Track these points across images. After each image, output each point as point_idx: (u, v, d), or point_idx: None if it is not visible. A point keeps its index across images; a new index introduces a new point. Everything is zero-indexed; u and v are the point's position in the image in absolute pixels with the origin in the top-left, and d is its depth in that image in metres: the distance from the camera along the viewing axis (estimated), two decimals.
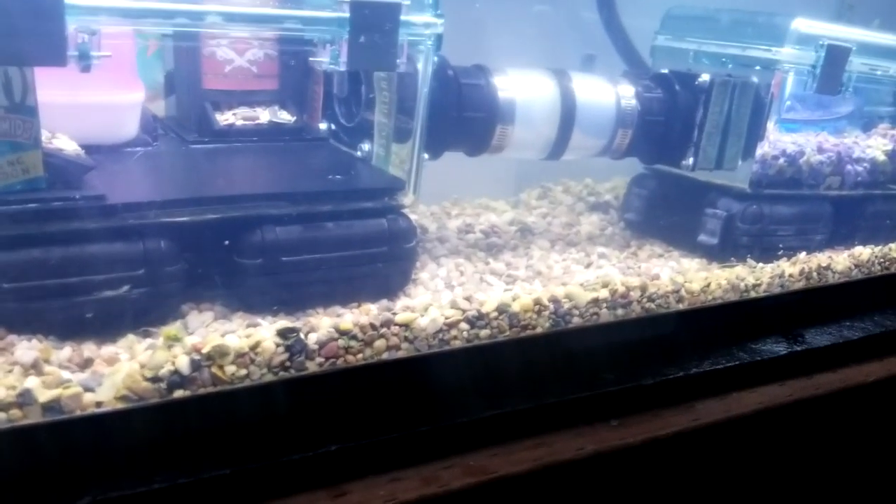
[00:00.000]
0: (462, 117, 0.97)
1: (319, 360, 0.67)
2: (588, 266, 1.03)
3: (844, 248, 1.21)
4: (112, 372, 0.60)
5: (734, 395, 0.89)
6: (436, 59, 0.90)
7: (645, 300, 0.89)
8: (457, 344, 0.75)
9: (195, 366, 0.61)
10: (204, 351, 0.62)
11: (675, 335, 0.90)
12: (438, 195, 1.32)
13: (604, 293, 0.86)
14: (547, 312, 0.81)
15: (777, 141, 1.13)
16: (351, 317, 0.71)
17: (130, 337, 0.69)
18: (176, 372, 0.61)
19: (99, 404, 0.58)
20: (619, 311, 0.88)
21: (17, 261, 0.65)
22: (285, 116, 0.98)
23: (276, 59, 0.93)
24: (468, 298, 0.79)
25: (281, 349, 0.65)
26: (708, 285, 0.95)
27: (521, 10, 1.43)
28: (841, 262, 1.11)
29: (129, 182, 0.80)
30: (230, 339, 0.64)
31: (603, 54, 1.33)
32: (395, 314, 0.72)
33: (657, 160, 1.17)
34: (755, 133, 1.12)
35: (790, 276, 1.04)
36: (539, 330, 0.81)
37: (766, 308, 1.00)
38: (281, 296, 0.78)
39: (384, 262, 0.83)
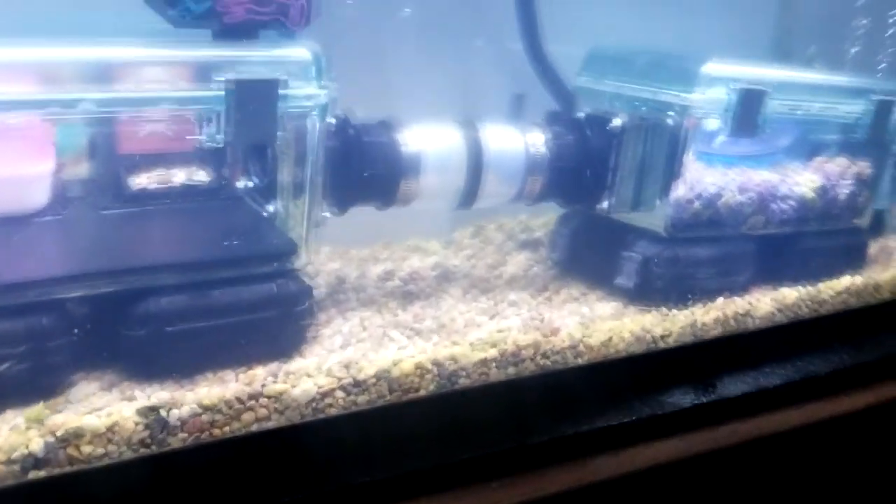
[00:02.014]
0: (365, 174, 0.99)
1: (183, 435, 0.69)
2: (493, 317, 1.04)
3: (772, 286, 1.22)
4: None
5: (629, 451, 0.90)
6: (333, 120, 0.93)
7: (539, 357, 0.91)
8: (333, 412, 0.77)
9: (49, 448, 0.63)
10: (58, 434, 0.64)
11: (571, 391, 0.92)
12: (373, 238, 1.34)
13: (492, 353, 0.87)
14: (430, 375, 0.83)
15: (695, 183, 1.13)
16: (217, 391, 0.73)
17: (8, 414, 0.71)
18: (30, 454, 0.63)
19: None
20: (511, 370, 0.89)
21: None
22: (201, 177, 0.99)
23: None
24: (347, 365, 0.80)
25: (140, 427, 0.67)
26: (609, 339, 0.96)
27: (458, 46, 1.44)
28: (763, 306, 1.12)
29: (20, 256, 0.82)
30: (88, 419, 0.66)
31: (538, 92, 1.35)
32: (263, 386, 0.73)
33: (575, 203, 1.18)
34: (671, 176, 1.12)
35: (703, 324, 1.04)
36: (422, 393, 0.83)
37: (674, 359, 1.01)
38: (167, 364, 0.80)
39: (274, 325, 0.85)
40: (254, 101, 0.77)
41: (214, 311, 0.82)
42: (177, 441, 0.69)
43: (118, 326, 0.80)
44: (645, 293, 1.14)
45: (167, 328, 0.80)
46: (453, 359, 0.85)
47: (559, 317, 1.06)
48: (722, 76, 1.09)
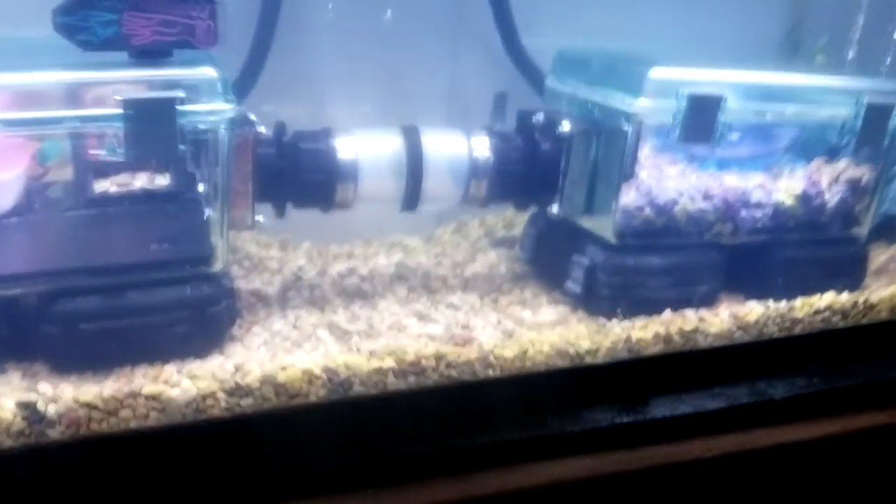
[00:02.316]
0: (301, 179, 1.03)
1: (61, 428, 0.76)
2: (423, 320, 1.06)
3: (742, 300, 1.17)
4: None
5: (529, 466, 0.91)
6: (263, 129, 0.97)
7: (443, 368, 0.92)
8: (214, 413, 0.82)
9: None
10: None
11: (470, 404, 0.93)
12: (360, 233, 1.37)
13: (388, 362, 0.89)
14: (320, 382, 0.87)
15: (648, 189, 1.10)
16: (96, 388, 0.80)
17: None
18: None
19: None
20: (412, 379, 0.91)
21: None
22: (161, 182, 1.06)
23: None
24: (237, 368, 0.85)
25: (18, 418, 0.75)
26: (525, 352, 0.96)
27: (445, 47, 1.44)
28: (718, 322, 1.08)
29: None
30: None
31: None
32: (141, 388, 0.79)
33: (529, 205, 1.18)
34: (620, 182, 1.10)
35: (640, 340, 1.02)
36: (312, 399, 0.87)
37: (597, 376, 0.99)
38: (85, 359, 0.88)
39: (187, 326, 0.91)
40: (151, 119, 0.82)
41: (128, 312, 0.89)
42: (55, 433, 0.76)
43: (40, 324, 0.87)
44: (591, 301, 1.13)
45: (81, 326, 0.87)
46: (346, 366, 0.88)
47: (492, 322, 1.06)
48: (670, 81, 1.04)
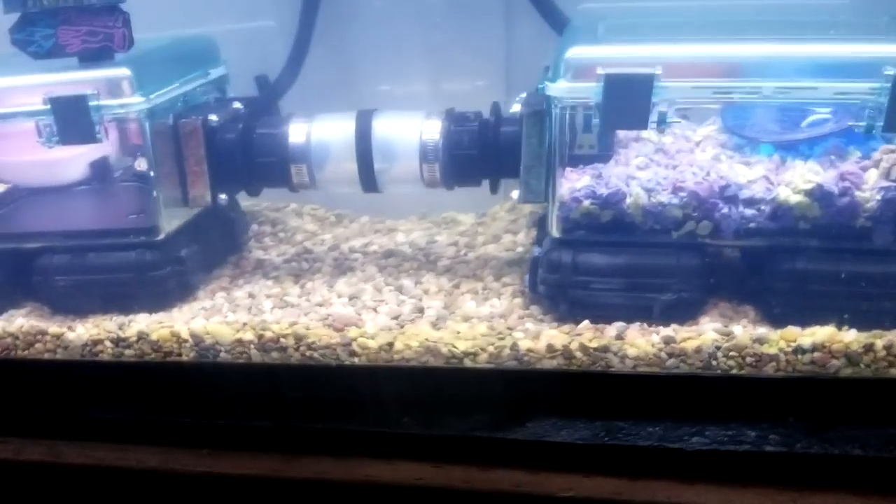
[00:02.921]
0: (257, 161, 1.13)
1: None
2: (352, 300, 1.08)
3: (727, 319, 0.97)
4: None
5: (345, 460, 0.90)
6: (215, 117, 1.09)
7: (303, 348, 0.96)
8: (104, 358, 0.99)
9: None
10: None
11: (317, 386, 0.94)
12: (417, 209, 1.42)
13: (249, 335, 0.96)
14: (188, 344, 0.97)
15: (596, 180, 0.97)
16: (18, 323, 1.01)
17: None
18: None
19: None
20: (275, 355, 0.97)
21: None
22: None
23: None
24: (122, 326, 1.00)
25: None
26: (391, 344, 0.94)
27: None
28: (642, 344, 0.91)
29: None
30: None
31: None
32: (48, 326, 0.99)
33: (496, 189, 1.11)
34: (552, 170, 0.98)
35: (530, 350, 0.92)
36: (184, 358, 0.98)
37: (459, 381, 0.92)
38: (58, 305, 1.11)
39: (133, 285, 1.09)
40: (71, 112, 1.00)
41: (88, 269, 1.09)
42: None
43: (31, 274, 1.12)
44: (536, 297, 1.04)
45: (56, 277, 1.10)
46: (211, 333, 0.97)
47: (434, 308, 1.05)
48: (591, 60, 0.90)
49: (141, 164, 1.06)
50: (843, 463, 0.80)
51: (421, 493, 0.86)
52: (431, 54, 1.38)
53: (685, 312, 0.97)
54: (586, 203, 0.96)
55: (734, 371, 0.88)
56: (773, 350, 0.86)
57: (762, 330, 0.90)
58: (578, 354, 0.90)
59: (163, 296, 1.10)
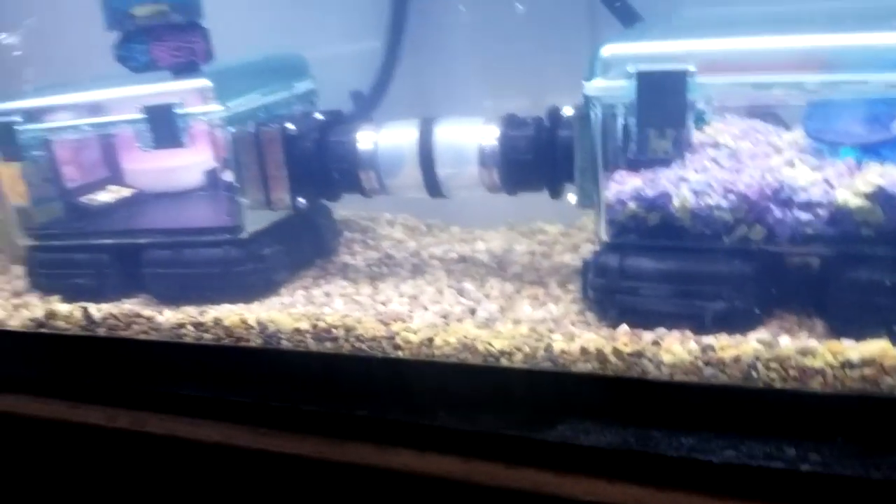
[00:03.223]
0: (330, 167, 1.21)
1: (102, 329, 1.14)
2: (412, 299, 1.13)
3: (796, 327, 0.92)
4: None
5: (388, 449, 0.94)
6: (292, 126, 1.19)
7: (353, 339, 1.01)
8: (187, 339, 1.10)
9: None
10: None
11: (356, 375, 0.99)
12: (513, 217, 1.45)
13: (305, 325, 1.03)
14: (255, 332, 1.06)
15: (644, 181, 0.95)
16: (121, 307, 1.15)
17: None
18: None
19: None
20: (329, 345, 1.03)
21: None
22: None
23: None
24: (202, 312, 1.11)
25: (80, 316, 1.15)
26: (431, 340, 0.97)
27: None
28: (679, 351, 0.87)
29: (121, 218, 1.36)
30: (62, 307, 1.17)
31: None
32: (143, 310, 1.12)
33: (555, 194, 1.11)
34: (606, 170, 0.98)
35: (564, 352, 0.91)
36: (251, 344, 1.07)
37: (494, 380, 0.93)
38: (160, 294, 1.24)
39: (219, 279, 1.20)
40: (161, 119, 1.13)
41: (183, 263, 1.22)
42: (101, 330, 1.14)
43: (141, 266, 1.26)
44: (587, 302, 1.03)
45: (159, 270, 1.24)
46: (273, 322, 1.05)
47: (489, 310, 1.07)
48: (626, 58, 0.89)
49: (227, 174, 1.16)
50: (885, 489, 0.73)
51: (446, 486, 0.88)
52: (517, 66, 1.41)
53: (740, 323, 0.92)
54: (632, 205, 0.95)
55: (776, 384, 0.82)
56: (818, 363, 0.80)
57: (812, 342, 0.84)
58: (612, 359, 0.89)
59: (245, 289, 1.20)
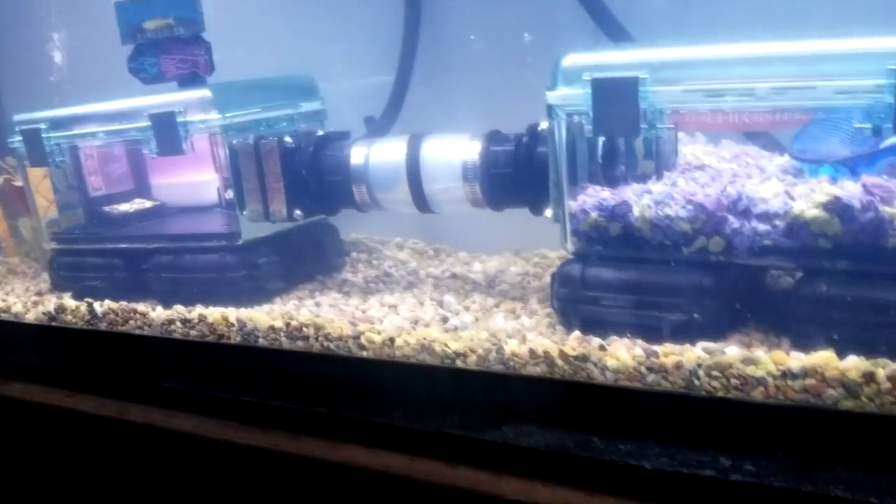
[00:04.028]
0: (325, 180, 1.25)
1: (104, 323, 1.21)
2: (391, 308, 1.16)
3: (745, 338, 0.90)
4: None
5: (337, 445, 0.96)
6: (290, 139, 1.25)
7: (321, 338, 1.04)
8: (176, 335, 1.15)
9: None
10: None
11: (324, 373, 1.01)
12: (519, 244, 1.47)
13: (279, 323, 1.07)
14: (234, 329, 1.10)
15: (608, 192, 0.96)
16: (116, 303, 1.21)
17: None
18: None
19: None
20: (300, 343, 1.06)
21: None
22: None
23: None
24: (189, 309, 1.16)
25: (85, 311, 1.22)
26: (392, 340, 0.99)
27: None
28: (623, 357, 0.86)
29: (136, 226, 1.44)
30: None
31: None
32: (138, 306, 1.18)
33: (537, 209, 1.12)
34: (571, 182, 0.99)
35: (514, 354, 0.91)
36: (231, 340, 1.11)
37: (443, 381, 0.94)
38: (162, 293, 1.31)
39: (214, 283, 1.26)
40: (164, 126, 1.20)
41: (184, 268, 1.29)
42: (103, 324, 1.21)
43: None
44: (557, 312, 1.03)
45: (162, 274, 1.31)
46: (251, 319, 1.09)
47: (465, 320, 1.09)
48: (585, 67, 0.91)
49: (225, 183, 1.23)
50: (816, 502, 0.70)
51: (390, 481, 0.89)
52: (524, 92, 1.44)
53: (698, 335, 0.90)
54: (594, 215, 0.95)
55: (719, 393, 0.80)
56: (760, 373, 0.78)
57: (758, 352, 0.82)
58: (559, 362, 0.89)
59: (238, 295, 1.25)
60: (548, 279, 1.24)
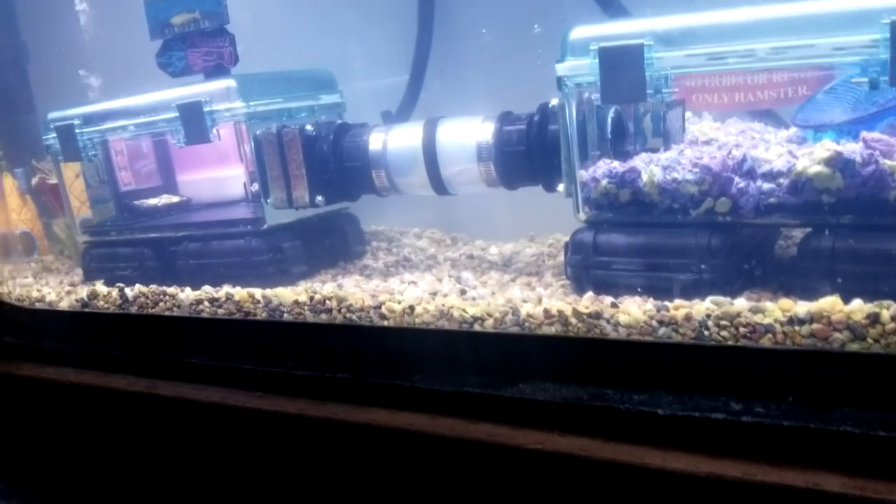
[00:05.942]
0: (345, 166, 1.30)
1: (134, 308, 1.26)
2: (407, 283, 1.19)
3: (754, 295, 0.93)
4: None
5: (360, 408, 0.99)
6: (311, 127, 1.29)
7: (344, 310, 1.08)
8: (204, 314, 1.20)
9: None
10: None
11: (350, 342, 1.05)
12: (535, 230, 1.50)
13: (303, 298, 1.11)
14: (260, 305, 1.15)
15: (615, 160, 1.00)
16: (144, 288, 1.26)
17: None
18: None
19: None
20: (323, 316, 1.10)
21: None
22: None
23: None
24: (217, 289, 1.21)
25: (116, 295, 1.27)
26: (412, 308, 1.03)
27: None
28: (635, 312, 0.90)
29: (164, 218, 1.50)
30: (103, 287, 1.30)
31: None
32: (168, 288, 1.23)
33: (550, 186, 1.15)
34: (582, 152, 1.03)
35: (529, 316, 0.95)
36: (258, 317, 1.15)
37: (462, 344, 0.98)
38: (190, 278, 1.35)
39: (243, 265, 1.30)
40: (191, 115, 1.26)
41: (211, 254, 1.33)
42: (133, 308, 1.26)
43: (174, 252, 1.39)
44: (570, 279, 1.06)
45: (190, 260, 1.36)
46: (277, 296, 1.13)
47: (478, 293, 1.12)
48: (592, 38, 0.95)
49: (251, 168, 1.28)
50: (826, 439, 0.73)
51: (411, 438, 0.92)
52: (535, 82, 1.48)
53: (708, 294, 0.93)
54: (604, 182, 0.99)
55: (728, 342, 0.83)
56: (767, 320, 0.81)
57: (765, 302, 0.84)
58: (573, 321, 0.92)
59: (264, 278, 1.29)
60: (562, 259, 1.28)
